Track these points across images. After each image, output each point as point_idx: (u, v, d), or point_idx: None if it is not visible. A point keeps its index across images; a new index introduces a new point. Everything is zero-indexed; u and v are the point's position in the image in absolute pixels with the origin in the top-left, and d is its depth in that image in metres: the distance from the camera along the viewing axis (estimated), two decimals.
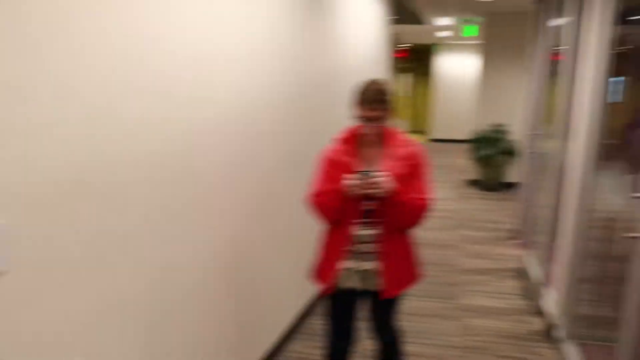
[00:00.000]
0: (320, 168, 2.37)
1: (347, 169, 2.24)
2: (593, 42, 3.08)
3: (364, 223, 2.31)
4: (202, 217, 2.27)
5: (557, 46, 4.13)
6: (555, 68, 4.16)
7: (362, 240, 2.33)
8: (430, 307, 4.01)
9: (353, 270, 2.36)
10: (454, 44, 14.43)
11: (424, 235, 5.84)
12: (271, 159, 2.96)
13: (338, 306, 2.50)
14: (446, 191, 8.34)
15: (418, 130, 17.25)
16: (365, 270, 2.34)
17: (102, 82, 1.60)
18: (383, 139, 2.33)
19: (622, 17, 3.03)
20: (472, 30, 9.75)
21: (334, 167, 2.30)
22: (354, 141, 2.35)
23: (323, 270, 2.42)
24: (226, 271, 2.55)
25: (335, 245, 2.37)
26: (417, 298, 4.14)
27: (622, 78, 3.25)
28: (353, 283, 2.37)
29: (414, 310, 3.92)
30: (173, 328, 2.13)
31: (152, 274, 1.95)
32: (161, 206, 1.96)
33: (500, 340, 3.50)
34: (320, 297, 3.57)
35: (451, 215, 6.85)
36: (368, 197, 2.23)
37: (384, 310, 2.49)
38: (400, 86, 17.20)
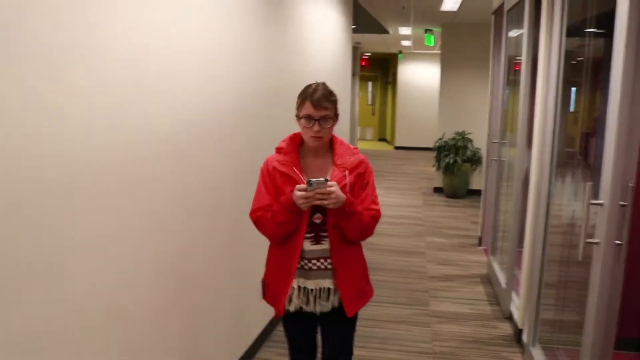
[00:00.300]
0: (262, 181, 2.15)
1: (293, 180, 2.06)
2: (548, 53, 3.17)
3: (314, 237, 2.11)
4: (158, 230, 2.21)
5: (517, 56, 4.24)
6: (516, 78, 4.26)
7: (312, 256, 2.12)
8: (398, 314, 4.05)
9: (304, 289, 2.15)
10: (418, 53, 14.66)
11: (391, 242, 5.91)
12: (225, 167, 2.87)
13: (293, 328, 2.32)
14: (412, 199, 8.44)
15: (382, 138, 17.43)
16: (318, 289, 2.14)
17: None
18: (329, 147, 2.18)
19: (576, 30, 3.13)
20: (431, 40, 9.91)
21: (276, 179, 2.11)
22: (297, 150, 2.16)
23: (273, 291, 2.22)
24: (186, 284, 2.51)
25: (284, 263, 2.14)
26: (386, 305, 4.17)
27: (573, 89, 3.36)
28: (305, 304, 2.16)
29: (382, 317, 3.94)
30: (138, 341, 2.09)
31: (109, 284, 1.90)
32: (110, 217, 1.87)
33: (468, 346, 3.56)
34: (275, 318, 3.48)
35: (417, 222, 6.94)
36: (318, 209, 2.07)
37: (340, 333, 2.29)
38: (364, 94, 17.36)
